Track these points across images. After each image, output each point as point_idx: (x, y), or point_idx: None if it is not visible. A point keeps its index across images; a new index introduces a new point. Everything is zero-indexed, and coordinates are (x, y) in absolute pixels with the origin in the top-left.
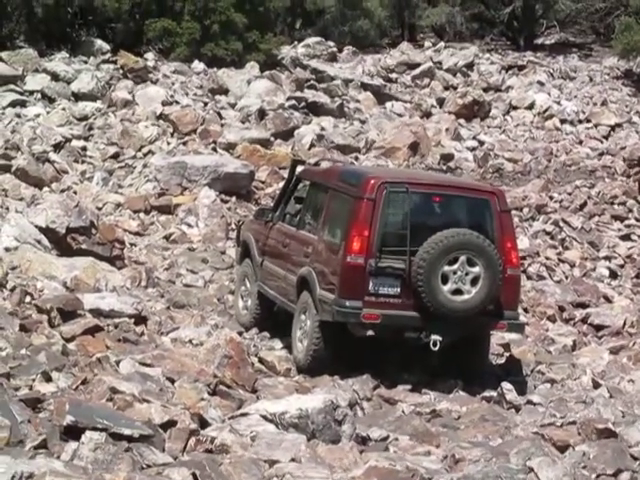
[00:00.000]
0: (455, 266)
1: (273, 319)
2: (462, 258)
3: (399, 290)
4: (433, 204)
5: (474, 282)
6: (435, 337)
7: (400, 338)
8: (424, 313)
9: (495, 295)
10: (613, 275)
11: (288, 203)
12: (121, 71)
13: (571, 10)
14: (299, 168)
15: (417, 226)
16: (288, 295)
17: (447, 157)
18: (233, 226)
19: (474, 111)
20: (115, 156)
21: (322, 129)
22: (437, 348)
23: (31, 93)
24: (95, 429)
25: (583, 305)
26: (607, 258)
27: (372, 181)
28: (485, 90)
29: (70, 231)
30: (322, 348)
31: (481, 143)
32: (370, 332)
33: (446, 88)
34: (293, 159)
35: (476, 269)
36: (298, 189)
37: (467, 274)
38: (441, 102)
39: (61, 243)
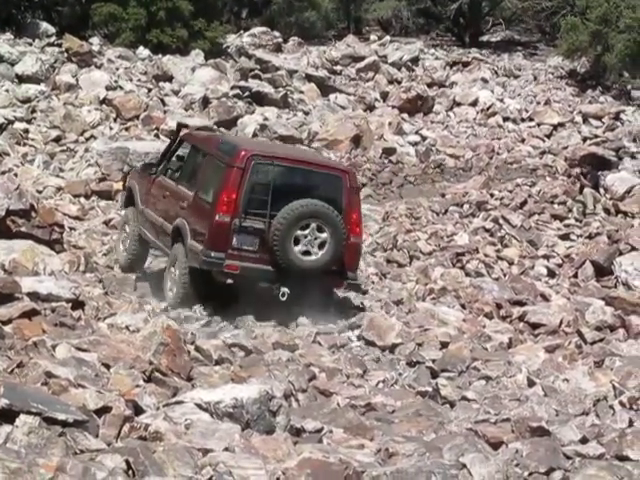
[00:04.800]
0: (306, 231)
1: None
2: (313, 225)
3: (257, 247)
4: (293, 177)
5: (321, 246)
6: (284, 289)
7: (255, 287)
8: (277, 268)
9: (339, 258)
10: (551, 274)
11: (170, 160)
12: (66, 55)
13: (517, 8)
14: (183, 131)
15: (278, 194)
16: (164, 241)
17: (389, 151)
18: None
19: (417, 106)
20: (57, 140)
21: (265, 119)
22: (285, 298)
23: None
24: (29, 413)
25: (520, 303)
26: (546, 257)
27: (243, 152)
28: (429, 85)
29: (10, 213)
30: (189, 289)
31: (423, 138)
32: (230, 280)
33: (390, 82)
34: (179, 122)
35: (324, 235)
36: (180, 149)
37: (316, 238)
38: (385, 96)
39: (0, 225)
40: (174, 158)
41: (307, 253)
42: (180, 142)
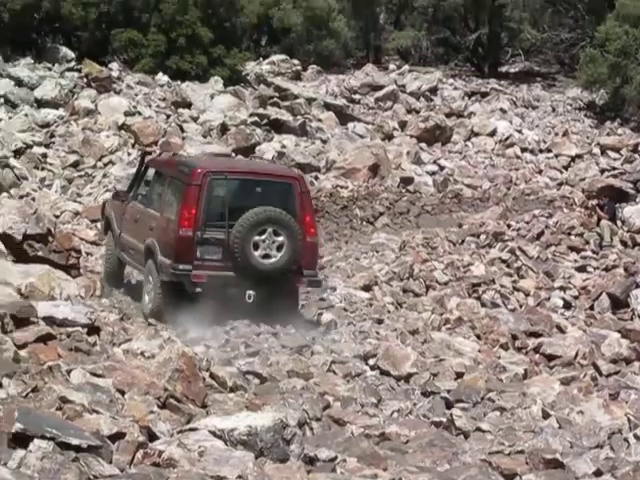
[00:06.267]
0: (264, 236)
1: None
2: (269, 230)
3: (220, 256)
4: (247, 188)
5: (279, 248)
6: (249, 292)
7: (222, 293)
8: (240, 273)
9: (297, 258)
10: (567, 306)
11: (140, 186)
12: (85, 80)
13: (537, 39)
14: (147, 157)
15: (234, 205)
16: (138, 260)
17: (407, 180)
18: None
19: (435, 136)
20: (75, 165)
21: (283, 147)
22: (251, 300)
23: None
24: (43, 438)
25: (536, 334)
26: (562, 288)
27: (198, 170)
28: (447, 115)
29: (27, 238)
30: (163, 301)
31: (441, 168)
32: (199, 289)
33: (409, 111)
34: (143, 151)
35: (280, 238)
36: (147, 175)
37: (274, 242)
38: (403, 125)
39: (17, 249)
40: (142, 184)
41: (267, 256)
42: (146, 168)
